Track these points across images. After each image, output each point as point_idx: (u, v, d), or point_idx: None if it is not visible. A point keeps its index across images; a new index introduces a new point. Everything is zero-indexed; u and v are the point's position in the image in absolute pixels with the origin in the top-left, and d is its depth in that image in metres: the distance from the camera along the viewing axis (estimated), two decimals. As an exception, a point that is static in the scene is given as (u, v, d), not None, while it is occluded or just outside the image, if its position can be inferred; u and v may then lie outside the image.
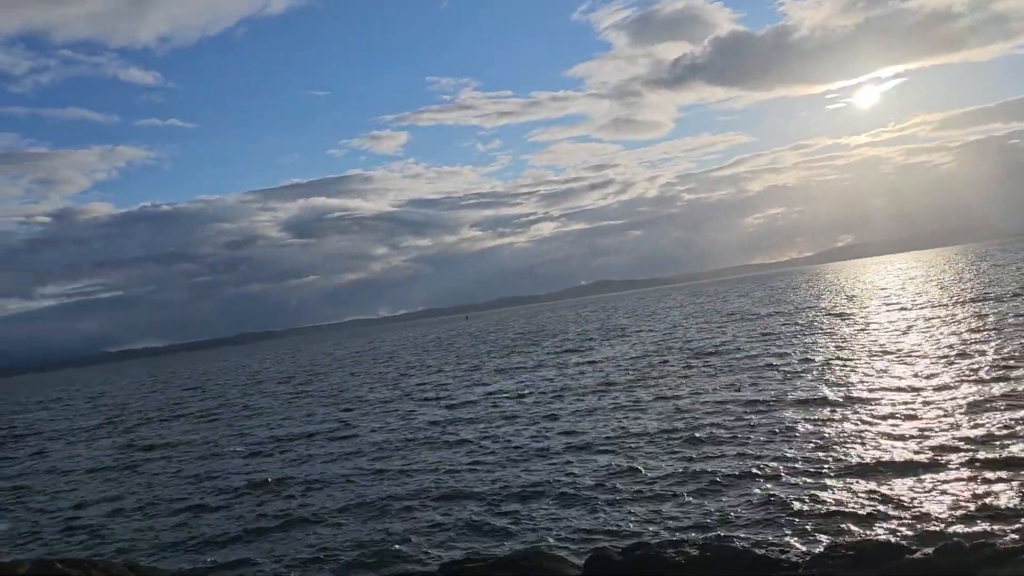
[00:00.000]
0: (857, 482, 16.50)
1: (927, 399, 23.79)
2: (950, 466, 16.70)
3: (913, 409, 22.63)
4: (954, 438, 18.77)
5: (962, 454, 17.41)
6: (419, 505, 19.24)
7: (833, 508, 15.13)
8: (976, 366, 28.39)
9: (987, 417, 20.53)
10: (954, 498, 14.73)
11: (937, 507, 14.39)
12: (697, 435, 22.93)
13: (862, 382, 28.46)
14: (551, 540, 15.47)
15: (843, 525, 14.16)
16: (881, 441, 19.55)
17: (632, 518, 16.24)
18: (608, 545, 14.27)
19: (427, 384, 49.52)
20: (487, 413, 33.01)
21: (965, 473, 16.13)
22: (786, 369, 34.12)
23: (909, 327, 45.19)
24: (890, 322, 50.14)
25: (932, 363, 30.50)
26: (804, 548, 12.92)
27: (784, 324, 59.99)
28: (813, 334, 48.90)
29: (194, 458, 31.06)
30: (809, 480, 17.12)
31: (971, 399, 22.89)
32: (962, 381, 25.86)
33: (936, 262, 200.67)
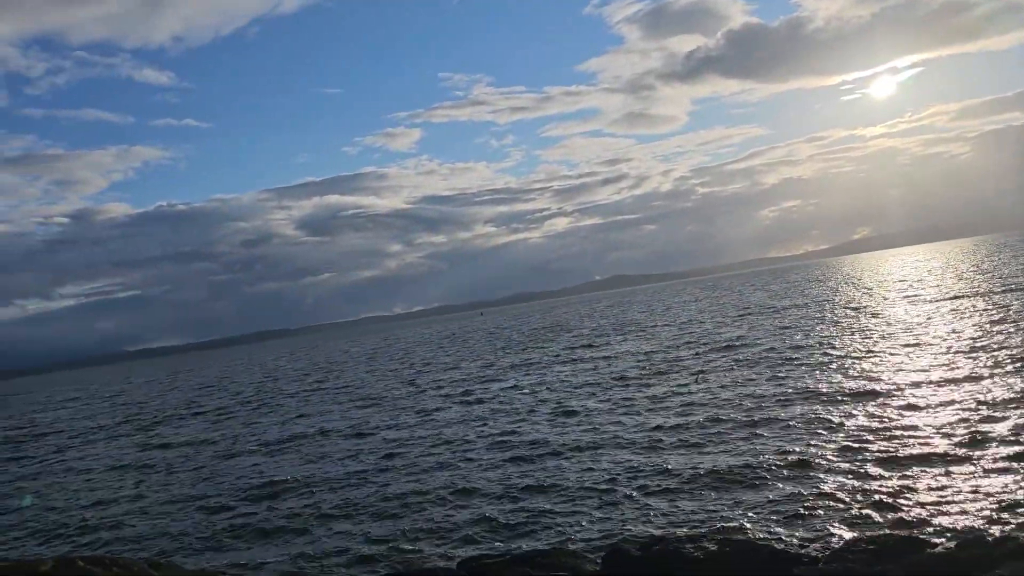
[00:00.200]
0: (877, 476, 16.38)
1: (947, 392, 23.58)
2: (972, 460, 16.53)
3: (933, 402, 22.45)
4: (975, 431, 18.58)
5: (984, 447, 17.25)
6: (436, 502, 19.26)
7: (853, 502, 15.02)
8: (998, 359, 28.09)
9: (1009, 410, 20.31)
10: (976, 492, 14.58)
11: (958, 501, 14.25)
12: (713, 430, 22.84)
13: (881, 376, 28.24)
14: (569, 536, 15.45)
15: (863, 519, 14.05)
16: (901, 435, 19.39)
17: (650, 514, 16.19)
18: (626, 541, 14.24)
19: (442, 381, 49.57)
20: (502, 409, 33.00)
21: (987, 466, 15.97)
22: (803, 363, 33.91)
23: (928, 319, 44.82)
24: (908, 315, 49.73)
25: (953, 356, 30.21)
26: (823, 543, 12.82)
27: (801, 318, 59.62)
28: (830, 328, 48.59)
29: (211, 456, 31.24)
30: (828, 474, 17.01)
31: (993, 392, 22.66)
32: (983, 374, 25.60)
33: (954, 254, 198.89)
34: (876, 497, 15.09)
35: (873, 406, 23.18)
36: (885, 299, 68.94)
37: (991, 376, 25.01)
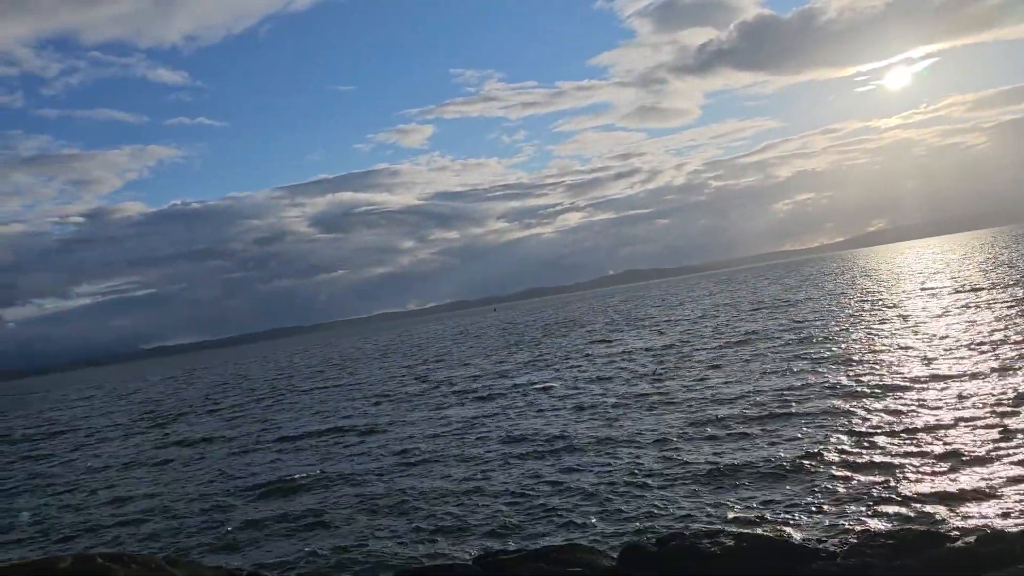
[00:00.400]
0: (895, 471, 16.26)
1: (967, 386, 23.35)
2: (992, 455, 16.37)
3: (953, 396, 22.24)
4: (996, 426, 18.41)
5: (1004, 442, 17.07)
6: (451, 499, 19.27)
7: (871, 497, 14.93)
8: (1021, 352, 27.78)
9: (1028, 403, 20.11)
10: (996, 487, 14.43)
11: (978, 496, 14.12)
12: (729, 425, 22.74)
13: (899, 369, 28.04)
14: (584, 532, 15.43)
15: (881, 514, 13.96)
16: (919, 429, 19.23)
17: (666, 510, 16.14)
18: (642, 536, 14.22)
19: (456, 377, 49.62)
20: (516, 406, 33.00)
21: (1008, 461, 15.80)
22: (819, 357, 33.72)
23: (946, 312, 44.44)
24: (926, 308, 49.35)
25: (972, 349, 29.93)
26: (841, 538, 12.73)
27: (816, 311, 59.30)
28: (846, 321, 48.29)
29: (227, 454, 31.40)
30: (846, 469, 16.90)
31: (1014, 386, 22.41)
32: (1004, 367, 25.33)
33: (971, 245, 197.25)
34: (894, 492, 14.99)
35: (891, 400, 23.01)
36: (902, 292, 68.44)
37: (1012, 370, 24.75)
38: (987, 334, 33.04)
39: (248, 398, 57.42)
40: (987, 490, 14.32)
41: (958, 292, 57.03)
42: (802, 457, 18.17)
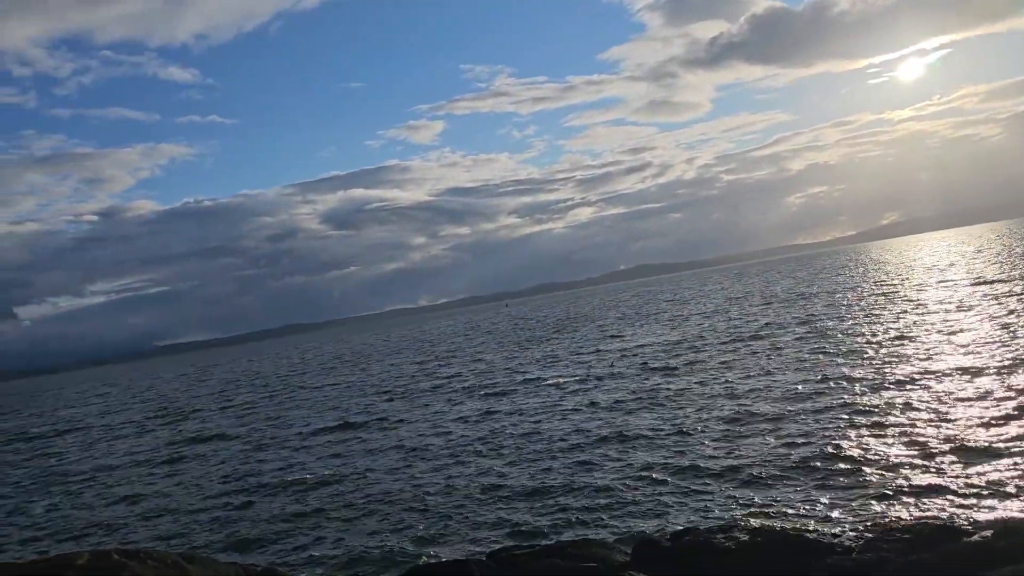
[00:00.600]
0: (912, 465, 16.16)
1: (982, 380, 23.18)
2: (1007, 449, 16.25)
3: (969, 390, 22.08)
4: (1011, 420, 18.28)
5: (1020, 437, 16.93)
6: (463, 495, 19.29)
7: (887, 491, 14.84)
8: (1031, 344, 27.56)
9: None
10: (1012, 481, 14.33)
11: (995, 490, 14.02)
12: (742, 420, 22.67)
13: (915, 363, 27.86)
14: (598, 527, 15.42)
15: (897, 508, 13.88)
16: (936, 423, 19.11)
17: (679, 505, 16.11)
18: (655, 531, 14.18)
19: (467, 373, 49.65)
20: (528, 402, 32.99)
21: (1022, 455, 15.70)
22: (832, 351, 33.56)
23: (962, 305, 44.07)
24: (941, 300, 48.99)
25: (989, 342, 29.67)
26: (857, 532, 12.66)
27: (829, 306, 59.00)
28: (860, 315, 48.03)
29: (240, 451, 31.53)
30: (861, 463, 16.81)
31: (1027, 378, 22.25)
32: (1020, 362, 25.13)
33: (986, 237, 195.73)
34: (911, 486, 14.90)
35: (906, 394, 22.85)
36: (916, 285, 68.01)
37: (1026, 362, 24.54)
38: (1003, 327, 32.77)
39: (260, 395, 57.66)
40: (1003, 484, 14.21)
41: (974, 285, 56.59)
42: (816, 452, 18.09)
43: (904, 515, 13.45)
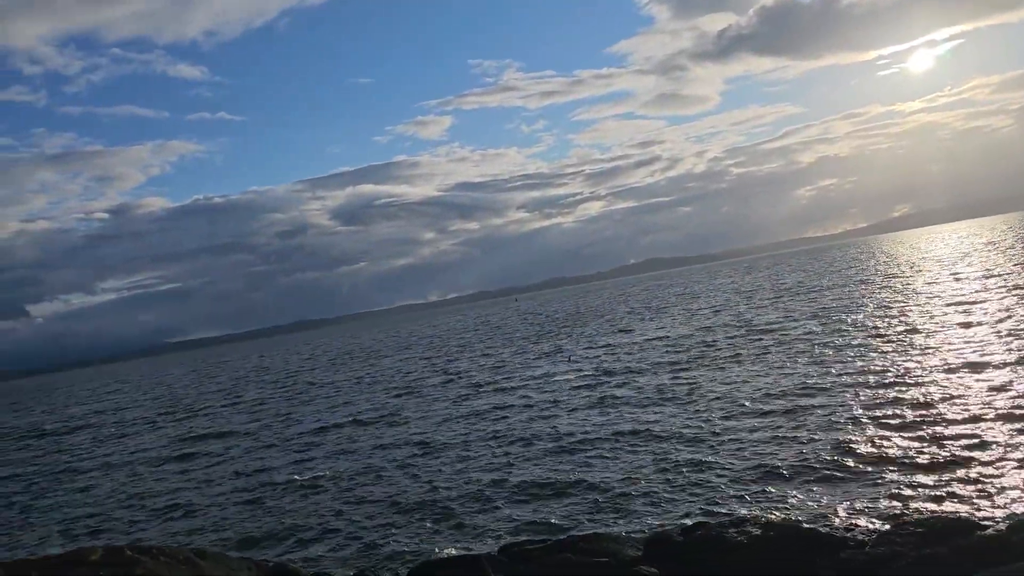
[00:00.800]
0: (925, 459, 16.06)
1: (995, 374, 23.02)
2: (1021, 443, 16.14)
3: (983, 383, 21.94)
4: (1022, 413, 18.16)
5: (1033, 427, 16.83)
6: (474, 489, 19.29)
7: (899, 486, 14.76)
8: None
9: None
10: (1026, 473, 14.25)
11: (1010, 484, 13.92)
12: (752, 415, 22.59)
13: (928, 356, 27.70)
14: (609, 522, 15.40)
15: (910, 502, 13.80)
16: (947, 418, 18.99)
17: (690, 500, 16.07)
18: (668, 526, 14.15)
19: (477, 369, 49.68)
20: (537, 398, 32.98)
21: (1037, 447, 15.60)
22: (843, 345, 33.40)
23: (976, 298, 43.80)
24: (953, 294, 48.67)
25: (1000, 336, 29.46)
26: (870, 526, 12.62)
27: (840, 299, 58.74)
28: (871, 308, 47.79)
29: (250, 447, 31.63)
30: (874, 458, 16.73)
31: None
32: (1030, 352, 24.95)
33: (999, 229, 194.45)
34: (923, 480, 14.81)
35: (919, 388, 22.71)
36: (928, 278, 67.63)
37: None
38: (1017, 320, 32.52)
39: (270, 391, 57.85)
40: (1017, 478, 14.12)
41: (986, 277, 56.22)
42: (828, 447, 18.01)
43: (917, 510, 13.37)
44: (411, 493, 19.81)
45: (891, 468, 15.82)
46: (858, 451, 17.27)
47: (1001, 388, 20.88)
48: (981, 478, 14.38)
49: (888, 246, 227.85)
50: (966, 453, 15.95)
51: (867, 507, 13.91)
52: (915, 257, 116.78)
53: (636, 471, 18.58)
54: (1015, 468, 14.63)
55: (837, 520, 13.37)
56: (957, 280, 58.29)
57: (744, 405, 23.96)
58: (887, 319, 40.12)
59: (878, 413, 20.34)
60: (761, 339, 39.87)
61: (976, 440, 16.64)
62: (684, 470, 18.07)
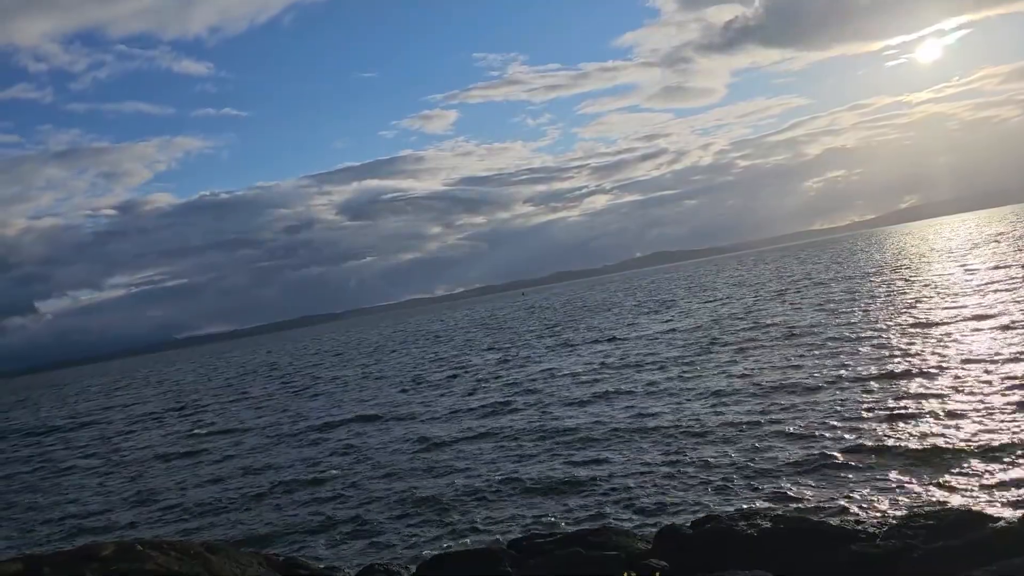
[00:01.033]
0: (935, 453, 15.98)
1: (1006, 367, 22.82)
2: (1032, 432, 16.06)
3: (991, 377, 21.79)
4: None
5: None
6: (482, 484, 19.30)
7: (909, 479, 14.71)
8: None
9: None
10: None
11: (1020, 476, 13.86)
12: (761, 409, 22.52)
13: (936, 350, 27.55)
14: (618, 516, 15.39)
15: (921, 496, 13.76)
16: (958, 411, 18.88)
17: (699, 495, 16.04)
18: (677, 520, 14.13)
19: (484, 363, 49.70)
20: (544, 392, 32.97)
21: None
22: (852, 339, 33.28)
23: (986, 290, 43.56)
24: (962, 286, 48.47)
25: (1011, 329, 29.26)
26: (881, 519, 12.57)
27: (848, 292, 58.55)
28: (880, 301, 47.63)
29: (258, 443, 31.69)
30: (883, 452, 16.66)
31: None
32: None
33: (1008, 220, 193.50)
34: (934, 474, 14.75)
35: (930, 380, 22.62)
36: (937, 269, 67.35)
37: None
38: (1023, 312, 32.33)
39: (277, 387, 57.99)
40: (1029, 469, 14.05)
41: (996, 268, 55.93)
42: (838, 440, 17.97)
43: (928, 503, 13.33)
44: (419, 488, 19.83)
45: (901, 461, 15.77)
46: (868, 444, 17.21)
47: (1012, 380, 20.75)
48: (993, 471, 14.31)
49: (896, 238, 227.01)
50: (977, 446, 15.86)
51: (877, 500, 13.87)
52: (923, 249, 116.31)
53: (643, 466, 18.56)
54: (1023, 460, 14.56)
55: (847, 513, 13.34)
56: (966, 271, 58.03)
57: (752, 398, 23.90)
58: (896, 311, 39.97)
59: (888, 406, 20.27)
60: (769, 332, 39.76)
61: (987, 433, 16.56)
62: (692, 464, 18.03)
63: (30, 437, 50.25)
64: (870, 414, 19.73)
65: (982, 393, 19.89)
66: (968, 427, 17.17)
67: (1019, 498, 12.86)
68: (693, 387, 27.61)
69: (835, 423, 19.39)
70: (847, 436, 18.01)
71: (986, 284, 45.72)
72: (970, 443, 16.07)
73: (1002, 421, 17.16)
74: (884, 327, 34.62)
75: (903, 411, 19.48)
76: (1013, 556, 9.63)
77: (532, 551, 12.26)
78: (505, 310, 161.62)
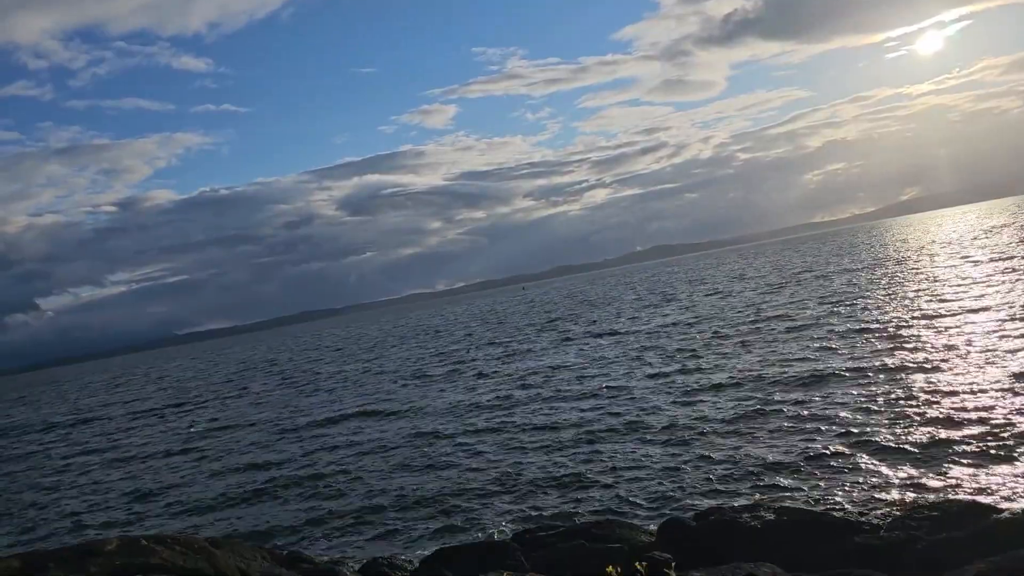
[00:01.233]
0: (939, 444, 15.97)
1: (1009, 359, 22.83)
2: (1035, 422, 16.05)
3: (994, 369, 21.78)
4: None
5: (1047, 410, 16.72)
6: (484, 479, 19.31)
7: (913, 471, 14.70)
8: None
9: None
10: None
11: (1022, 466, 13.86)
12: (764, 402, 22.52)
13: (940, 341, 27.54)
14: (622, 510, 15.39)
15: (924, 487, 13.74)
16: (961, 403, 18.88)
17: (701, 488, 16.04)
18: (681, 511, 14.14)
19: (484, 358, 49.69)
20: (545, 387, 32.96)
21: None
22: (854, 331, 33.25)
23: (985, 282, 43.53)
24: (964, 278, 48.39)
25: (1013, 320, 29.22)
26: (884, 511, 12.57)
27: (849, 284, 58.51)
28: (880, 294, 47.60)
29: (257, 439, 31.69)
30: (886, 444, 16.65)
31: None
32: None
33: (1010, 211, 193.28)
34: (938, 466, 14.73)
35: (933, 373, 22.59)
36: (939, 261, 67.29)
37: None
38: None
39: (278, 382, 58.01)
40: (1033, 460, 14.04)
41: (997, 260, 55.88)
42: (840, 433, 17.96)
43: (932, 494, 13.32)
44: (421, 482, 19.84)
45: (904, 454, 15.76)
46: (870, 437, 17.19)
47: (1016, 372, 20.74)
48: (996, 462, 14.30)
49: (897, 230, 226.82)
50: (980, 438, 15.85)
51: (880, 492, 13.86)
52: (925, 240, 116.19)
53: (646, 459, 18.56)
54: (1029, 451, 14.55)
55: (850, 505, 13.34)
56: (968, 263, 57.96)
57: (754, 391, 23.89)
58: (898, 304, 39.93)
59: (890, 399, 20.26)
60: (770, 325, 39.74)
61: (990, 425, 16.54)
62: (693, 459, 18.03)
63: (31, 434, 50.29)
64: (873, 406, 19.71)
65: (986, 385, 19.87)
66: (972, 419, 17.15)
67: (1021, 490, 12.84)
68: (695, 380, 27.59)
69: (838, 415, 19.37)
70: (850, 428, 18.00)
71: (988, 276, 45.65)
72: (974, 435, 16.05)
73: (1006, 413, 17.14)
74: (886, 320, 34.58)
75: (907, 403, 19.47)
76: (1017, 547, 9.62)
77: (535, 544, 12.27)
78: (505, 305, 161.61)
